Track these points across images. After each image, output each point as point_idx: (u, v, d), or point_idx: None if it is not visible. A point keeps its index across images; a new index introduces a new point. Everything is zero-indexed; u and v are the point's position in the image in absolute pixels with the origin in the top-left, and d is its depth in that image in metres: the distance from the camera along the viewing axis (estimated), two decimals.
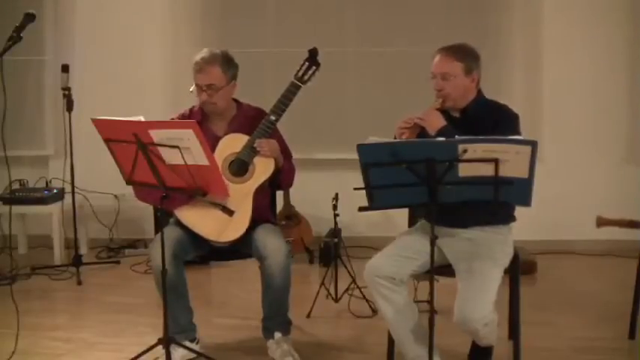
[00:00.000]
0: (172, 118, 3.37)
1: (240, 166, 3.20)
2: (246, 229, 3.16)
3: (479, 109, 2.94)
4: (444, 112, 2.93)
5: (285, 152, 3.34)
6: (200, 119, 3.27)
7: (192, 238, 3.18)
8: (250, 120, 3.27)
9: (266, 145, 3.18)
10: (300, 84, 3.24)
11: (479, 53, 2.97)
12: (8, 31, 2.78)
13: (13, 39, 2.78)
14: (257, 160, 3.20)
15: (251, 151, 3.19)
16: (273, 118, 3.20)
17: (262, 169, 3.21)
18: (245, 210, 3.17)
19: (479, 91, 2.98)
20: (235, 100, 3.39)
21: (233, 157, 3.21)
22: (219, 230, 3.14)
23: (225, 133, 3.29)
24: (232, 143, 3.22)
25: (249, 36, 5.29)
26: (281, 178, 3.33)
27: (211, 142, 3.16)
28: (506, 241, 2.93)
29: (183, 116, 3.36)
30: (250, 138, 3.20)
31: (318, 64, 3.26)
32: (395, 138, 2.91)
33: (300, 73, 3.25)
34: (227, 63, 3.25)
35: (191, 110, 3.38)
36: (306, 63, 3.26)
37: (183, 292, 3.21)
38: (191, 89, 3.26)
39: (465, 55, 2.92)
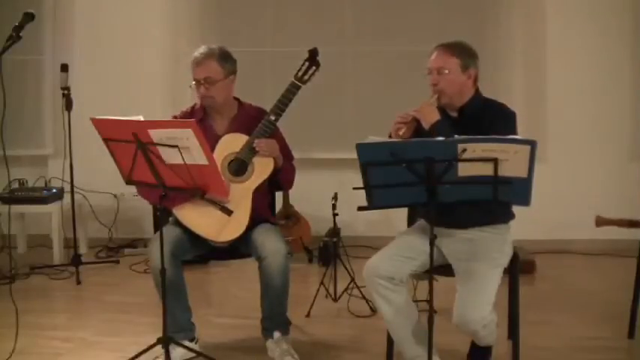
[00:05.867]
0: (174, 116, 3.38)
1: (239, 166, 3.21)
2: (246, 229, 3.17)
3: (476, 108, 2.94)
4: (442, 111, 2.93)
5: (286, 152, 3.34)
6: (202, 117, 3.30)
7: (191, 237, 3.18)
8: (251, 120, 3.27)
9: (265, 145, 3.18)
10: (300, 84, 3.24)
11: (477, 51, 2.97)
12: (7, 30, 2.78)
13: (13, 38, 2.77)
14: (256, 159, 3.21)
15: (250, 150, 3.19)
16: (272, 117, 3.21)
17: (261, 169, 3.21)
18: (244, 210, 3.17)
19: (476, 90, 2.98)
20: (237, 100, 3.40)
21: (232, 157, 3.21)
22: (218, 230, 3.14)
23: (226, 132, 3.29)
24: (232, 143, 3.22)
25: (249, 35, 5.29)
26: (281, 179, 3.34)
27: (212, 141, 3.18)
28: (506, 241, 2.93)
29: (185, 114, 3.37)
30: (250, 138, 3.20)
31: (318, 65, 3.26)
32: (390, 134, 2.92)
33: (300, 73, 3.25)
34: (224, 57, 3.27)
35: (193, 108, 3.39)
36: (306, 63, 3.26)
37: (181, 291, 3.21)
38: (190, 85, 3.27)
39: (461, 51, 2.92)
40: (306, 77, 3.25)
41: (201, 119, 3.28)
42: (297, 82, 3.24)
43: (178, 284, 3.17)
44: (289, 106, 3.22)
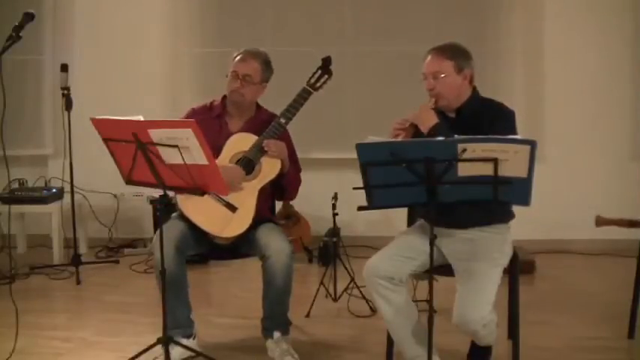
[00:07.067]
0: (193, 108, 3.42)
1: (247, 165, 3.23)
2: (248, 228, 3.18)
3: (474, 108, 2.93)
4: (440, 112, 2.93)
5: (294, 159, 3.37)
6: (219, 113, 3.36)
7: (195, 233, 3.20)
8: (264, 124, 3.30)
9: (273, 146, 3.21)
10: (311, 90, 3.31)
11: (472, 51, 2.96)
12: (7, 30, 2.78)
13: (13, 38, 2.78)
14: (264, 160, 3.24)
15: (259, 150, 3.22)
16: (282, 120, 3.25)
17: (268, 169, 3.24)
18: (248, 207, 3.18)
19: (474, 90, 2.97)
20: (256, 104, 3.44)
21: (240, 156, 3.24)
22: (222, 226, 3.16)
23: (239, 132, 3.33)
24: (241, 142, 3.26)
25: (249, 36, 5.28)
26: (285, 184, 3.35)
27: (224, 138, 3.27)
28: (505, 241, 2.93)
29: (204, 108, 3.42)
30: (259, 138, 3.24)
31: (330, 73, 3.34)
32: None
33: (313, 80, 3.32)
34: (266, 64, 3.36)
35: (212, 103, 3.43)
36: (319, 71, 3.33)
37: (183, 286, 3.21)
38: (227, 74, 3.32)
39: (454, 53, 2.91)
40: (318, 85, 3.32)
41: (218, 115, 3.36)
42: (308, 89, 3.31)
43: (180, 279, 3.17)
44: (300, 110, 3.28)
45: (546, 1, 5.23)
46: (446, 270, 2.91)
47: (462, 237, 2.90)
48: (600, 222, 3.58)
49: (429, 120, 2.84)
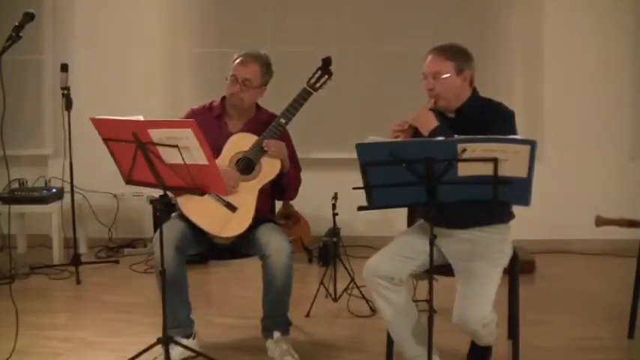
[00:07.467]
0: (192, 109, 3.42)
1: (246, 165, 3.24)
2: (248, 228, 3.18)
3: (474, 109, 2.93)
4: (439, 112, 2.92)
5: (294, 159, 3.37)
6: (219, 114, 3.36)
7: (195, 232, 3.20)
8: (263, 124, 3.30)
9: (273, 146, 3.21)
10: (311, 91, 3.30)
11: (473, 52, 2.96)
12: (7, 30, 2.78)
13: (13, 38, 2.78)
14: (264, 160, 3.24)
15: (259, 150, 3.22)
16: (283, 120, 3.25)
17: (268, 169, 3.24)
18: (248, 207, 3.19)
19: (474, 91, 2.97)
20: (256, 104, 3.44)
21: (240, 156, 3.24)
22: (222, 225, 3.16)
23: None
24: (241, 142, 3.26)
25: (248, 36, 5.29)
26: (285, 184, 3.35)
27: (224, 139, 3.26)
28: (505, 241, 2.93)
29: (203, 109, 3.42)
30: (259, 138, 3.24)
31: (330, 74, 3.33)
32: None
33: (313, 81, 3.31)
34: (267, 66, 3.34)
35: (211, 104, 3.43)
36: (319, 71, 3.32)
37: (183, 286, 3.21)
38: (226, 77, 3.31)
39: (455, 54, 2.90)
40: (317, 85, 3.32)
41: (218, 116, 3.36)
42: (308, 89, 3.30)
43: (180, 279, 3.17)
44: (300, 110, 3.27)
45: (546, 1, 5.23)
46: (446, 270, 2.91)
47: (462, 237, 2.90)
48: (600, 222, 3.58)
49: (428, 123, 2.84)
